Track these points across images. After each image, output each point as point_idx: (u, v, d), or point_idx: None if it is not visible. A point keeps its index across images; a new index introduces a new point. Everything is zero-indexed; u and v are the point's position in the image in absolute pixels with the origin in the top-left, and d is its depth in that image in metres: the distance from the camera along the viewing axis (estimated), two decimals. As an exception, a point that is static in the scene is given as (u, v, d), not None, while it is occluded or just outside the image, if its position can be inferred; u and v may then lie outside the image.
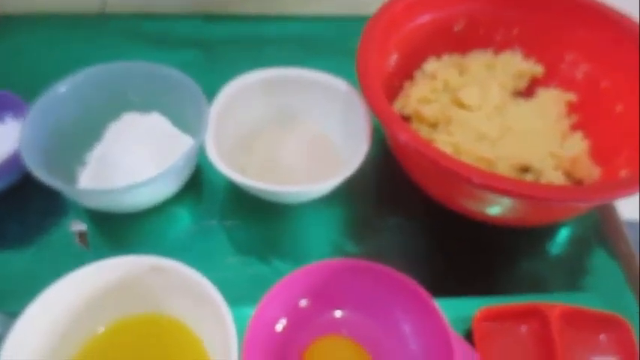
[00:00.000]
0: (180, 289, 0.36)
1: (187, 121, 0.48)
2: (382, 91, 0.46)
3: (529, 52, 0.53)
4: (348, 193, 0.48)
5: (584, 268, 0.46)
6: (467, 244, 0.47)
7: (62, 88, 0.47)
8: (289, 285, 0.39)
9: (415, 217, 0.48)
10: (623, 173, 0.45)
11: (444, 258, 0.46)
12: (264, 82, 0.49)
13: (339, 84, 0.48)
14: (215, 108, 0.46)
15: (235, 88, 0.48)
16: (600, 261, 0.46)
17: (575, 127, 0.50)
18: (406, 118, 0.50)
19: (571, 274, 0.45)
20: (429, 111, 0.49)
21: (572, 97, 0.51)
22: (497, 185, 0.37)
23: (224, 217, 0.48)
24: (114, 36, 0.61)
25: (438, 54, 0.54)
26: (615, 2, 0.50)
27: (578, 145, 0.48)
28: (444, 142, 0.47)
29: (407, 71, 0.53)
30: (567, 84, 0.52)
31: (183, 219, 0.48)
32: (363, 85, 0.44)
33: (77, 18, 0.63)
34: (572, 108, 0.51)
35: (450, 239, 0.47)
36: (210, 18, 0.63)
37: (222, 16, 0.63)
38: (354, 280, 0.40)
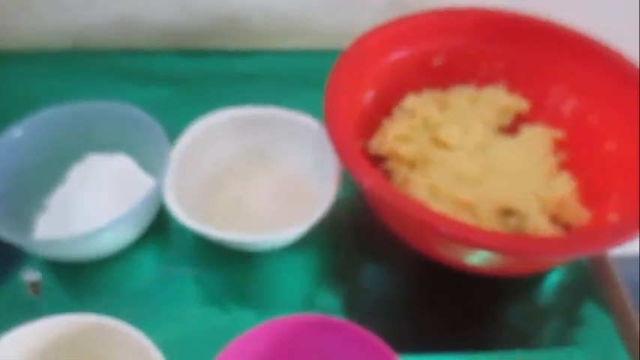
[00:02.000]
0: (124, 349, 0.34)
1: (152, 163, 0.46)
2: (352, 130, 0.44)
3: (514, 86, 0.51)
4: (322, 237, 0.46)
5: (574, 320, 0.42)
6: (446, 295, 0.43)
7: (19, 130, 0.45)
8: (247, 343, 0.36)
9: (392, 265, 0.46)
10: (613, 217, 0.42)
11: (421, 310, 0.43)
12: (232, 122, 0.47)
13: (309, 123, 0.46)
14: (178, 149, 0.44)
15: (201, 128, 0.46)
16: (590, 311, 0.43)
17: (562, 167, 0.47)
18: (383, 158, 0.48)
19: (559, 326, 0.42)
20: (405, 150, 0.47)
21: (558, 134, 0.48)
22: (468, 237, 0.34)
23: (189, 264, 0.45)
24: (87, 72, 0.60)
25: (417, 90, 0.51)
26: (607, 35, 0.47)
27: (565, 186, 0.45)
28: (420, 183, 0.44)
29: (385, 108, 0.50)
30: (554, 120, 0.49)
31: (147, 266, 0.45)
32: (329, 125, 0.41)
33: (49, 54, 0.61)
34: (558, 146, 0.48)
35: (428, 289, 0.44)
36: (186, 53, 0.61)
37: (198, 51, 0.62)
38: (320, 337, 0.37)
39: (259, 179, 0.47)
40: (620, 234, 0.34)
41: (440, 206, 0.43)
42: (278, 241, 0.42)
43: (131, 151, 0.47)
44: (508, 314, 0.43)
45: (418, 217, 0.34)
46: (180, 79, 0.59)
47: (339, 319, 0.37)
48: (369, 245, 0.47)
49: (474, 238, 0.33)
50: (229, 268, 0.45)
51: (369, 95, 0.49)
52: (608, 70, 0.46)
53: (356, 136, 0.46)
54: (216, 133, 0.47)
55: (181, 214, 0.39)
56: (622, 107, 0.45)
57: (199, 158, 0.46)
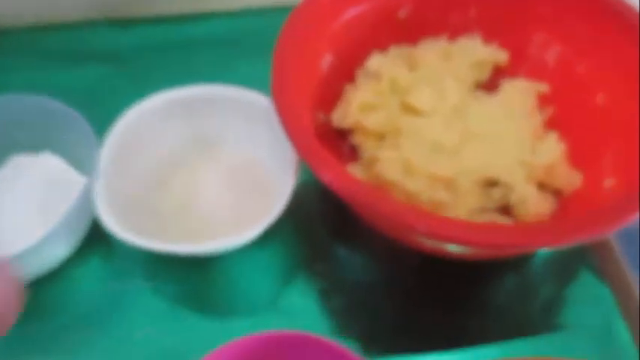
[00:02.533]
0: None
1: (81, 164, 0.40)
2: (309, 103, 0.38)
3: (490, 35, 0.45)
4: (287, 228, 0.40)
5: (569, 301, 0.38)
6: (428, 283, 0.39)
7: None
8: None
9: (365, 255, 0.41)
10: (609, 183, 0.37)
11: (401, 302, 0.39)
12: (171, 105, 0.41)
13: (261, 100, 0.40)
14: (109, 144, 0.38)
15: (136, 116, 0.40)
16: (587, 289, 0.39)
17: (549, 125, 0.42)
18: (348, 132, 0.42)
19: (552, 310, 0.38)
20: (372, 120, 0.41)
21: (543, 87, 0.43)
22: (447, 234, 0.29)
23: (139, 275, 0.40)
24: (9, 55, 0.52)
25: (382, 47, 0.45)
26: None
27: (553, 149, 0.40)
28: (390, 159, 0.38)
29: (347, 73, 0.44)
30: (537, 72, 0.43)
31: (89, 283, 0.40)
32: (278, 105, 0.35)
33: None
34: (544, 100, 0.43)
35: (408, 278, 0.40)
36: (121, 23, 0.54)
37: (135, 19, 0.54)
38: (291, 354, 0.32)
39: (209, 171, 0.42)
40: (620, 213, 0.29)
41: (415, 184, 0.38)
42: (234, 245, 0.36)
43: (56, 151, 0.41)
44: (494, 301, 0.39)
45: (388, 214, 0.29)
46: (114, 54, 0.52)
47: (309, 333, 0.32)
48: (340, 233, 0.42)
49: (451, 235, 0.29)
50: (186, 275, 0.40)
51: (327, 59, 0.43)
52: (594, 12, 0.41)
53: (315, 109, 0.40)
54: (155, 121, 0.41)
55: (116, 225, 0.34)
56: (612, 54, 0.40)
57: (137, 152, 0.40)
